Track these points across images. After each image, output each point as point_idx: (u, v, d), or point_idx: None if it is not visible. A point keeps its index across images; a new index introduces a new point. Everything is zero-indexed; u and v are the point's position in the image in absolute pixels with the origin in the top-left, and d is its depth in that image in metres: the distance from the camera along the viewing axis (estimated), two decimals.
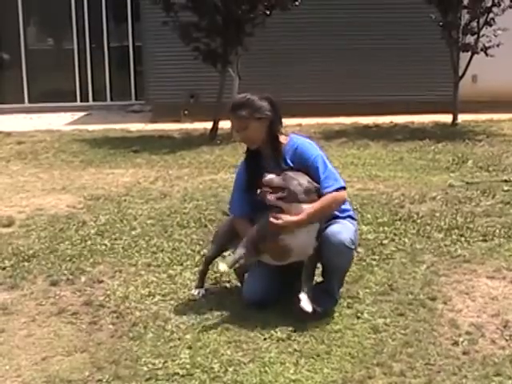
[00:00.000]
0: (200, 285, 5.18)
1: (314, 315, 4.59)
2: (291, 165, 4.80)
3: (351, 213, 5.02)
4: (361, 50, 15.63)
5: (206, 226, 6.87)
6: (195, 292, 5.12)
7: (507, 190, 7.97)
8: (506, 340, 4.34)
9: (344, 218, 4.88)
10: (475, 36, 13.14)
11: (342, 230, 4.72)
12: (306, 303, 4.55)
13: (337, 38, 15.63)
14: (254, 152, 4.94)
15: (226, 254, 5.21)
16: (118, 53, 19.43)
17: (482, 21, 13.04)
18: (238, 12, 12.26)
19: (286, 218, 4.57)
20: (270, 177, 4.62)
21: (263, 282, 4.85)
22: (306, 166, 4.76)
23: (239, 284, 5.18)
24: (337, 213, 4.84)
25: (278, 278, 4.86)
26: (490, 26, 12.97)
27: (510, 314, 4.69)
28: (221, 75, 12.86)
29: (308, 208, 4.60)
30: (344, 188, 4.81)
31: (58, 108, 17.74)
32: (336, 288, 4.85)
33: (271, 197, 4.58)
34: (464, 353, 4.18)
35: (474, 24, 13.09)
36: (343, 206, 4.90)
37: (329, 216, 4.77)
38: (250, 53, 12.85)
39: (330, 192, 4.71)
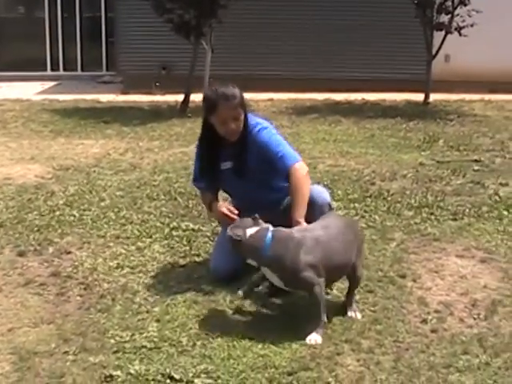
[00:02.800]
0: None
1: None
2: (249, 148, 4.79)
3: None
4: (335, 26, 15.57)
5: (175, 198, 6.83)
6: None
7: (477, 170, 8.01)
8: (474, 319, 4.35)
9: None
10: (449, 15, 13.12)
11: (324, 190, 4.87)
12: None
13: (311, 14, 15.56)
14: (211, 138, 4.89)
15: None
16: (89, 23, 19.24)
17: (456, 0, 13.01)
18: None
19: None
20: None
21: (230, 256, 4.80)
22: (261, 148, 4.76)
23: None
24: None
25: None
26: (465, 5, 12.94)
27: (478, 293, 4.71)
28: (194, 47, 12.76)
29: (298, 214, 4.52)
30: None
31: (28, 77, 17.54)
32: None
33: None
34: (432, 331, 4.19)
35: (449, 3, 13.05)
36: None
37: None
38: (224, 25, 12.76)
39: (292, 165, 4.68)
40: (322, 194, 4.85)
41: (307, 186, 4.68)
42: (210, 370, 3.72)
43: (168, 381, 3.64)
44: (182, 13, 12.28)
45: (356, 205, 6.55)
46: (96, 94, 15.01)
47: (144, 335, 4.09)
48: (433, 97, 13.63)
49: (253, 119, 4.88)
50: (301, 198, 4.60)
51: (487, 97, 14.13)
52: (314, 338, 4.06)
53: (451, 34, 13.09)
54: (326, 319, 4.17)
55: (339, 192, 6.96)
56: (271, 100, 13.83)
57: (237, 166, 4.85)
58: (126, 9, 15.67)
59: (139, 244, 5.57)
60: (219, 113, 4.71)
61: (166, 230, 5.87)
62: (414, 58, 14.74)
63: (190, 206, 6.52)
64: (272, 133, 4.83)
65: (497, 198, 6.83)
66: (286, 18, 15.51)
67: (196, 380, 3.62)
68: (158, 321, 4.28)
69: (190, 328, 4.19)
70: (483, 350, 3.95)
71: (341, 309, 4.43)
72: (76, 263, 5.21)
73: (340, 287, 4.72)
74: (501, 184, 7.36)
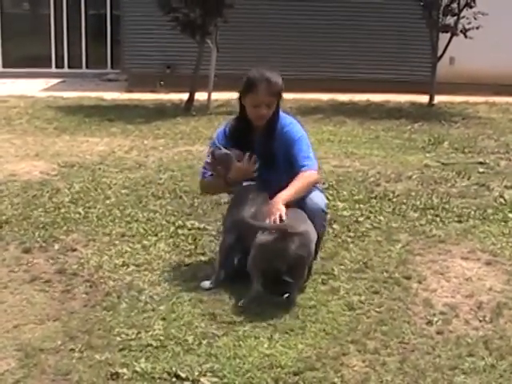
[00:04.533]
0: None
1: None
2: (276, 142, 4.83)
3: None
4: (340, 27, 15.57)
5: (180, 197, 6.83)
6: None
7: (482, 172, 8.00)
8: (480, 321, 4.35)
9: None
10: (455, 17, 13.12)
11: (318, 195, 4.81)
12: None
13: (316, 14, 15.55)
14: (244, 127, 4.90)
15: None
16: (95, 20, 19.23)
17: (462, 2, 13.01)
18: None
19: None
20: None
21: (234, 255, 4.84)
22: (289, 143, 4.81)
23: None
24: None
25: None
26: (471, 7, 12.94)
27: (483, 296, 4.71)
28: (199, 46, 12.76)
29: (284, 195, 4.59)
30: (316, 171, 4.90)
31: (33, 74, 17.53)
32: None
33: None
34: (438, 332, 4.19)
35: (455, 5, 13.06)
36: None
37: None
38: (229, 25, 12.77)
39: (304, 171, 4.74)
40: (315, 198, 4.77)
41: (305, 189, 4.74)
42: (215, 369, 3.73)
43: (174, 379, 3.65)
44: (187, 12, 12.31)
45: (361, 206, 6.55)
46: (100, 92, 15.02)
47: (150, 333, 4.10)
48: (437, 99, 13.62)
49: (285, 116, 4.93)
50: (296, 188, 4.66)
51: (492, 99, 14.11)
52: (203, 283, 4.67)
53: (457, 36, 13.08)
54: (221, 274, 4.74)
55: (344, 193, 6.96)
56: None
57: (263, 154, 4.84)
58: (131, 7, 15.68)
59: (145, 242, 5.57)
60: (256, 94, 4.74)
61: (172, 229, 5.87)
62: (419, 59, 14.77)
63: (196, 204, 6.52)
64: (302, 135, 4.88)
65: (502, 200, 6.82)
66: (291, 18, 15.50)
67: (202, 379, 3.63)
68: (163, 319, 4.28)
69: (196, 327, 4.19)
70: (489, 353, 3.95)
71: (346, 309, 4.44)
72: (82, 260, 5.21)
73: (345, 287, 4.73)
74: (506, 187, 7.35)
